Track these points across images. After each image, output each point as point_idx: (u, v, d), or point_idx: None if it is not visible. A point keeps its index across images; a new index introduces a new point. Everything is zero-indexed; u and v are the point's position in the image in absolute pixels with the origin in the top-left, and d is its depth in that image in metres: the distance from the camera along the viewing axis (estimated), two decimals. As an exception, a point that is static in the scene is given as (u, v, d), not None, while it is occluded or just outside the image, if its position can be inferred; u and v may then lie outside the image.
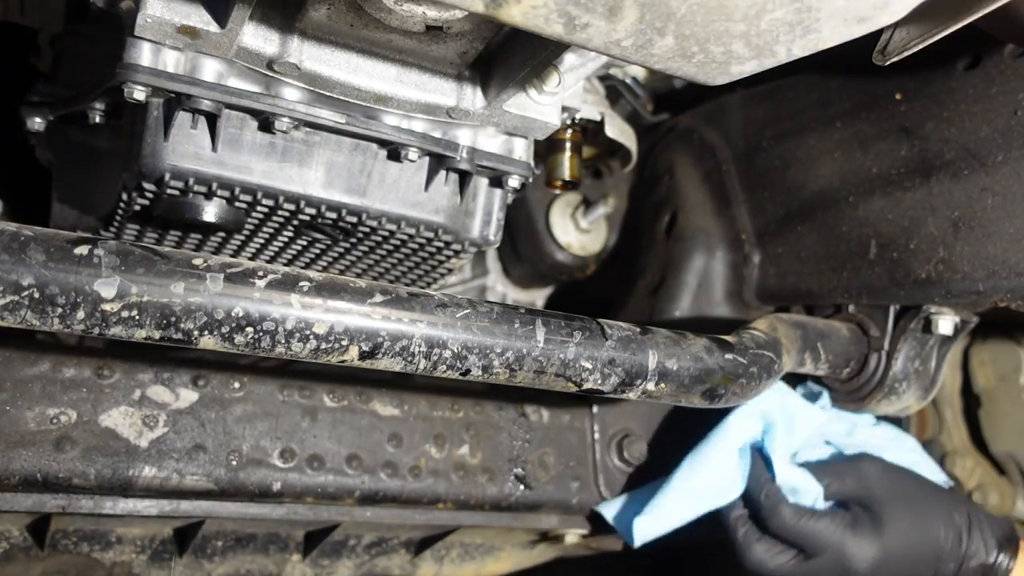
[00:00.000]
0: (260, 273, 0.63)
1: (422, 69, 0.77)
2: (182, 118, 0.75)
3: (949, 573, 0.99)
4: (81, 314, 0.58)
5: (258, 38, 0.71)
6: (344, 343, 0.65)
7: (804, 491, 1.01)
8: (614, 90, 1.39)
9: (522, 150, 0.87)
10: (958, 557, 0.99)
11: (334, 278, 0.67)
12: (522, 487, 1.08)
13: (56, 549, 0.97)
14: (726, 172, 1.31)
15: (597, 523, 1.14)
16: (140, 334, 0.60)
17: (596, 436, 1.14)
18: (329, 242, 0.91)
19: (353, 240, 0.90)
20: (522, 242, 1.44)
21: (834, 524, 0.98)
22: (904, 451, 1.13)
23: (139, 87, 0.70)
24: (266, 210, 0.82)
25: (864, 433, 1.12)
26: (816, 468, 1.04)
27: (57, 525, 0.94)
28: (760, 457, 1.03)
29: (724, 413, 1.05)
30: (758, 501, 1.00)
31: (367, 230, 0.86)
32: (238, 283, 0.62)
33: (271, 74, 0.74)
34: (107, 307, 0.58)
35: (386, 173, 0.84)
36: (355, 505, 0.99)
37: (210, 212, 0.80)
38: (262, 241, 0.92)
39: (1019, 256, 0.93)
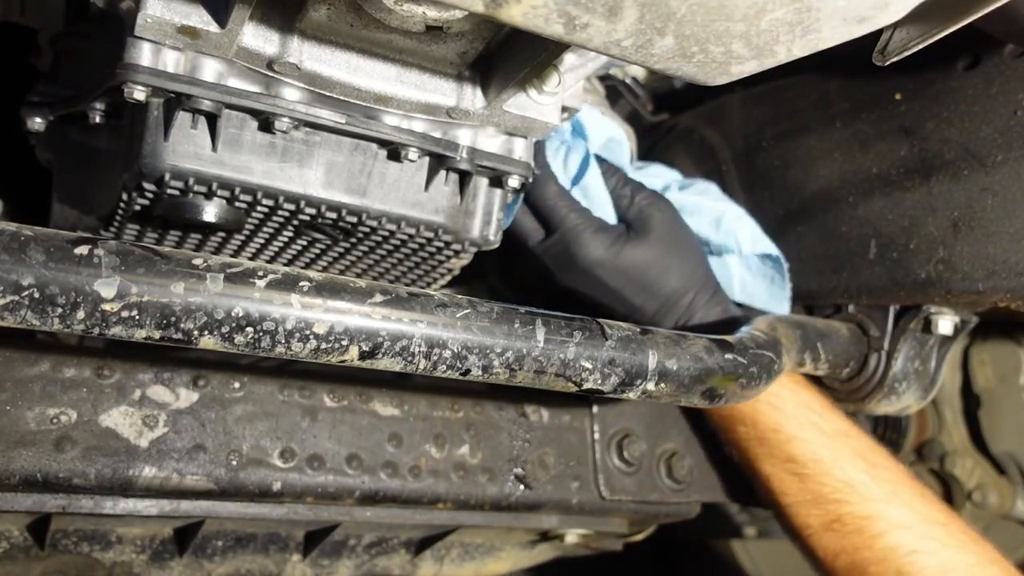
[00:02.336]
0: (260, 273, 0.63)
1: (422, 69, 0.77)
2: (182, 118, 0.75)
3: (662, 315, 1.04)
4: (81, 314, 0.58)
5: (258, 38, 0.71)
6: (344, 343, 0.65)
7: (595, 198, 1.05)
8: (614, 90, 1.39)
9: (522, 150, 0.87)
10: (678, 310, 1.04)
11: (334, 278, 0.67)
12: (522, 487, 1.08)
13: (56, 549, 0.97)
14: (726, 172, 1.31)
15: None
16: (140, 334, 0.60)
17: (596, 436, 1.14)
18: (329, 242, 0.91)
19: (353, 240, 0.90)
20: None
21: (581, 216, 1.02)
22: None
23: (139, 87, 0.70)
24: (266, 210, 0.82)
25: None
26: (617, 184, 1.07)
27: (57, 525, 0.94)
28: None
29: None
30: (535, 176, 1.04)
31: (367, 230, 0.86)
32: (238, 283, 0.62)
33: (271, 74, 0.74)
34: (107, 307, 0.58)
35: (386, 173, 0.84)
36: (355, 505, 0.99)
37: (210, 212, 0.80)
38: (262, 241, 0.92)
39: (1019, 256, 0.93)
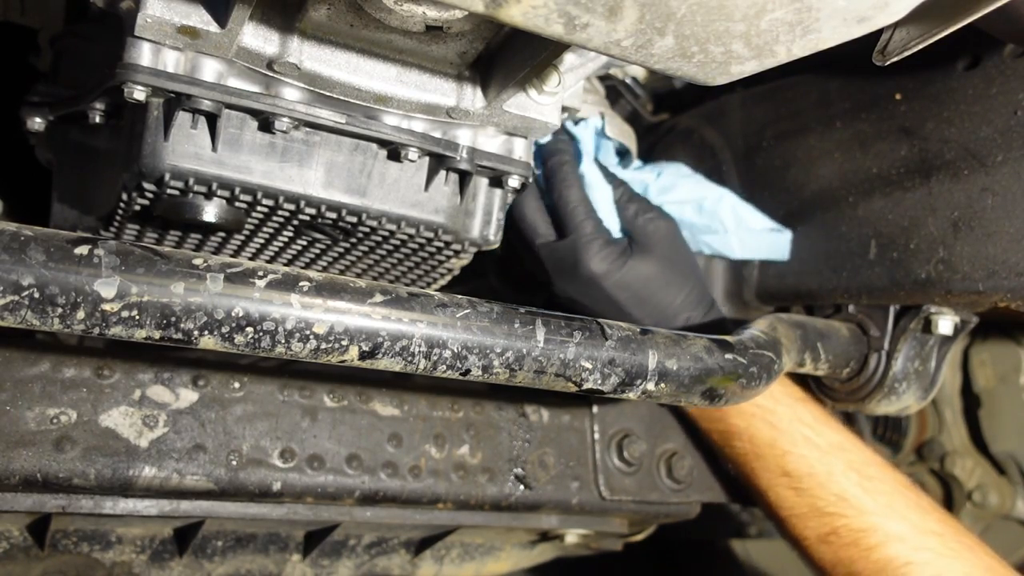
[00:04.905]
0: (260, 273, 0.63)
1: (422, 69, 0.77)
2: (182, 118, 0.75)
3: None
4: (81, 314, 0.58)
5: (258, 38, 0.71)
6: (344, 343, 0.65)
7: (600, 209, 1.06)
8: (614, 90, 1.39)
9: (522, 150, 0.87)
10: (675, 325, 1.04)
11: (334, 278, 0.67)
12: (522, 487, 1.08)
13: (56, 549, 0.97)
14: (726, 172, 1.31)
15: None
16: (140, 334, 0.60)
17: (596, 436, 1.14)
18: (329, 242, 0.91)
19: (353, 240, 0.90)
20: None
21: (596, 227, 1.02)
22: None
23: (139, 87, 0.70)
24: (266, 210, 0.82)
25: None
26: (622, 197, 1.09)
27: (57, 525, 0.94)
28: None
29: None
30: (556, 169, 1.05)
31: (367, 230, 0.86)
32: (238, 283, 0.62)
33: (271, 74, 0.74)
34: (107, 307, 0.58)
35: (386, 173, 0.84)
36: (355, 505, 0.99)
37: (210, 212, 0.80)
38: (262, 241, 0.92)
39: (1019, 256, 0.93)
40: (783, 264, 1.20)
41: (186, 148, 0.76)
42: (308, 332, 0.64)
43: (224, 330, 0.62)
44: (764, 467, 1.04)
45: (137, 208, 0.82)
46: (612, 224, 1.07)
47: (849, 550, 0.96)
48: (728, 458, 1.13)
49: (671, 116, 1.47)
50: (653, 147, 1.45)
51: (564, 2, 0.49)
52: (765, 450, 1.03)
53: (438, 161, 0.84)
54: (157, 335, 0.61)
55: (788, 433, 1.01)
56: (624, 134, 1.15)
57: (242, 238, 0.91)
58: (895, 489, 0.97)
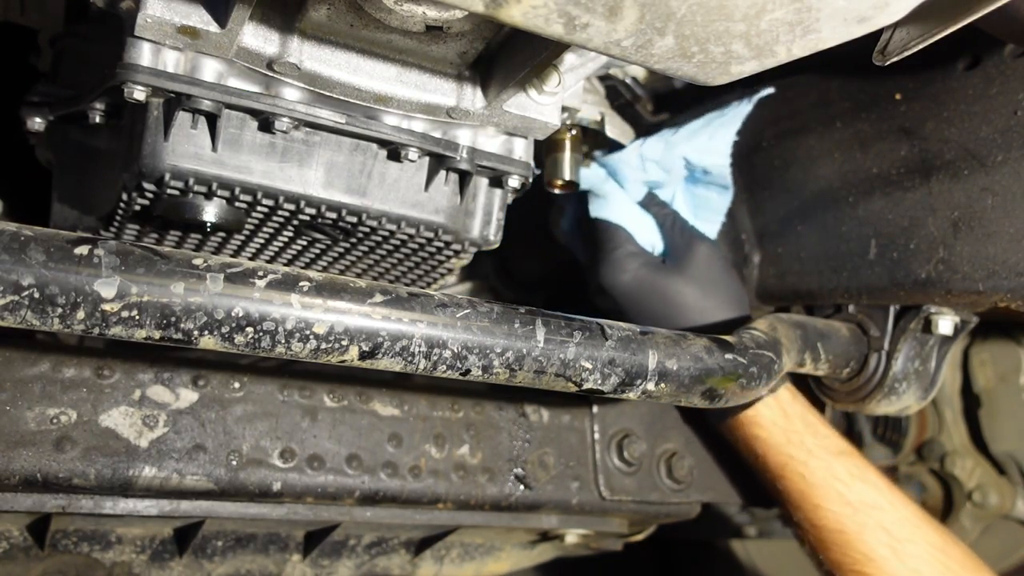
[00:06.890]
0: (260, 273, 0.63)
1: (422, 69, 0.77)
2: (182, 118, 0.75)
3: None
4: (81, 314, 0.58)
5: (258, 38, 0.71)
6: (344, 343, 0.65)
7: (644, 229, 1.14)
8: (614, 90, 1.39)
9: (522, 150, 0.87)
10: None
11: (334, 278, 0.67)
12: (522, 487, 1.08)
13: (56, 549, 0.97)
14: (726, 172, 1.31)
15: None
16: (140, 334, 0.60)
17: (596, 436, 1.14)
18: (329, 242, 0.91)
19: (353, 240, 0.90)
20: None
21: (623, 243, 1.11)
22: None
23: (139, 87, 0.70)
24: (266, 210, 0.82)
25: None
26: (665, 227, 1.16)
27: (57, 525, 0.94)
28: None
29: None
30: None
31: (367, 230, 0.86)
32: (238, 283, 0.62)
33: (271, 74, 0.74)
34: (107, 307, 0.58)
35: (386, 173, 0.84)
36: (355, 505, 0.99)
37: (210, 212, 0.80)
38: (262, 241, 0.92)
39: (1019, 256, 0.93)
40: (783, 264, 1.20)
41: (186, 148, 0.76)
42: (308, 332, 0.64)
43: (224, 330, 0.62)
44: (803, 516, 1.05)
45: (137, 208, 0.82)
46: (658, 245, 1.13)
47: None
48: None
49: (671, 116, 1.46)
50: (653, 147, 1.45)
51: (564, 2, 0.49)
52: (797, 498, 1.04)
53: (438, 161, 0.84)
54: (157, 335, 0.61)
55: (821, 488, 1.02)
56: (624, 134, 1.15)
57: (242, 238, 0.91)
58: (927, 552, 0.97)
